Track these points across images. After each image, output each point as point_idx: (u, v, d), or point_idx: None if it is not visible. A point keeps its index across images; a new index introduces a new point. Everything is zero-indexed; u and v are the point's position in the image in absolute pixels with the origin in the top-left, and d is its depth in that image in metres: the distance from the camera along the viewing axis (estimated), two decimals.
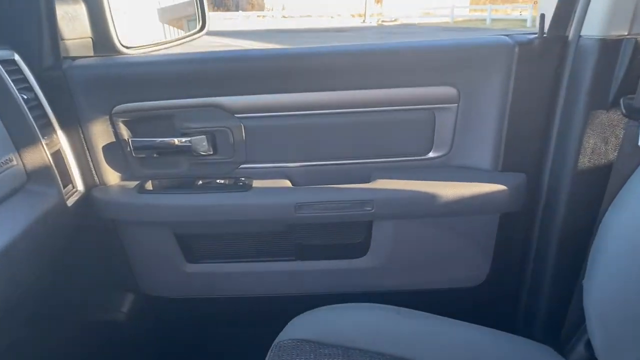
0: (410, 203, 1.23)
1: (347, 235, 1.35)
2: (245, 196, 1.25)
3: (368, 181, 1.28)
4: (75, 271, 1.30)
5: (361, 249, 1.34)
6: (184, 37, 1.64)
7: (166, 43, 1.58)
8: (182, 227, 1.32)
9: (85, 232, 1.29)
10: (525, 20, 19.03)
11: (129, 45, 1.43)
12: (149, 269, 1.40)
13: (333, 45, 1.24)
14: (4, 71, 1.07)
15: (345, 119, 1.26)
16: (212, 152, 1.29)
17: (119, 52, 1.38)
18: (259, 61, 1.23)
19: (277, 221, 1.29)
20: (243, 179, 1.30)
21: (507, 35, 1.24)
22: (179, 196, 1.27)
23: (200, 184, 1.31)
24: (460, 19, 23.02)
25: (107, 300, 1.45)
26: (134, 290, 1.44)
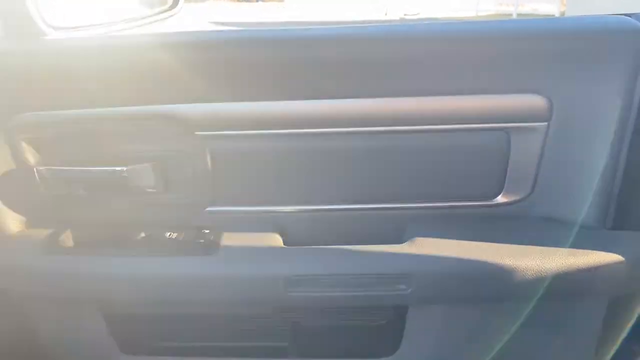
0: (467, 279, 0.79)
1: (366, 324, 0.90)
2: (208, 263, 0.81)
3: (402, 240, 0.83)
4: None
5: (388, 345, 0.89)
6: (146, 17, 1.20)
7: (118, 23, 1.15)
8: (113, 306, 0.89)
9: None
10: (553, 16, 18.39)
11: (59, 26, 1.00)
12: None
13: (349, 26, 0.79)
14: None
15: (367, 141, 0.83)
16: (161, 189, 0.86)
17: (40, 35, 0.94)
18: (235, 49, 0.80)
19: (258, 303, 0.85)
20: (207, 232, 0.86)
21: (630, 15, 0.78)
22: (108, 260, 0.84)
23: (142, 238, 0.87)
24: (485, 13, 22.48)
25: None
26: None
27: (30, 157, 0.89)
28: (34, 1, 0.92)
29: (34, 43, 0.90)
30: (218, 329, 0.97)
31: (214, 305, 0.90)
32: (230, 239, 0.87)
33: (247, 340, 0.96)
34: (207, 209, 0.91)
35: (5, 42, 0.89)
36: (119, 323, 0.96)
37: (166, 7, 1.23)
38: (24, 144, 0.87)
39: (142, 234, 0.90)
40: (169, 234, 0.89)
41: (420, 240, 0.83)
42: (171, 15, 1.24)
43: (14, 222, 0.92)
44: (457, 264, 0.79)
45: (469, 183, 0.87)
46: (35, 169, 0.87)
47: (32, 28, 0.91)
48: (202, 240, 0.87)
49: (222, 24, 15.94)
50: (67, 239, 0.91)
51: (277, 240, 0.87)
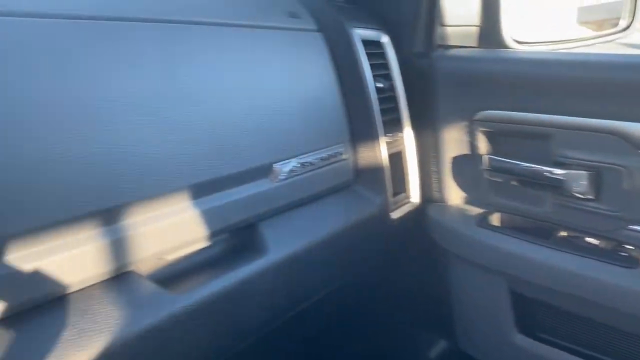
0: None
1: None
2: (628, 275, 0.83)
3: None
4: (383, 292, 1.13)
5: None
6: (596, 37, 1.26)
7: (570, 42, 1.24)
8: (522, 286, 0.99)
9: (408, 251, 1.10)
10: None
11: (521, 40, 1.16)
12: (470, 322, 1.12)
13: None
14: (364, 54, 0.95)
15: None
16: (591, 197, 0.91)
17: (505, 46, 1.11)
18: None
19: None
20: (630, 247, 0.87)
21: None
22: (528, 245, 0.94)
23: (563, 236, 0.95)
24: None
25: (412, 340, 1.24)
26: (448, 340, 1.18)
27: (482, 146, 1.01)
28: (504, 21, 1.10)
29: (501, 53, 1.07)
30: (613, 343, 0.96)
31: (620, 317, 0.90)
32: None
33: None
34: (633, 227, 0.88)
35: (479, 51, 1.08)
36: (522, 303, 1.03)
37: (619, 28, 1.25)
38: (479, 135, 1.01)
39: (563, 232, 0.98)
40: (588, 239, 0.93)
41: None
42: (621, 37, 1.26)
43: (456, 196, 1.11)
44: None
45: None
46: (486, 157, 1.00)
47: (501, 41, 1.09)
48: (624, 254, 0.87)
49: None
50: (496, 219, 1.05)
51: None
